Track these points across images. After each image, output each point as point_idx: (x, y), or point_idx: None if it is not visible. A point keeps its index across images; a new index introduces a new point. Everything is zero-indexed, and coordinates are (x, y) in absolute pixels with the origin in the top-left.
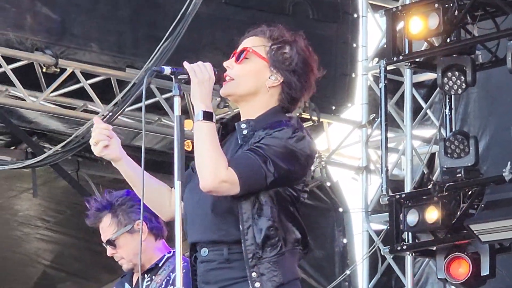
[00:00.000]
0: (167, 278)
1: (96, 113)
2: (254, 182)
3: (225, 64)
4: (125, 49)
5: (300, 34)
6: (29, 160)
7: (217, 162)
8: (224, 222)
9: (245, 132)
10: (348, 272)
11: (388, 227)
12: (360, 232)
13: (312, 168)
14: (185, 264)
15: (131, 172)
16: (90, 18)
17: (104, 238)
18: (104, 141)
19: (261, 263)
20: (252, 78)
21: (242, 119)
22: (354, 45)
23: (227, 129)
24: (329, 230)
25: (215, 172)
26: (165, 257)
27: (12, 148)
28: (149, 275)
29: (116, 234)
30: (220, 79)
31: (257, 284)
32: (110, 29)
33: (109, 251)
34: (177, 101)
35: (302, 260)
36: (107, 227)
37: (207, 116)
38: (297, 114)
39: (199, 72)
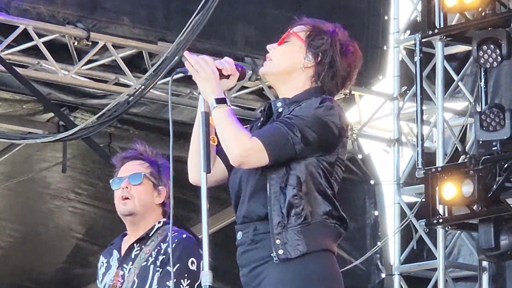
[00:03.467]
0: (157, 248)
1: (128, 86)
2: (281, 148)
3: (267, 47)
4: (157, 22)
5: (340, 27)
6: (61, 133)
7: (239, 134)
8: (254, 201)
9: (280, 110)
10: (380, 244)
11: (423, 200)
12: (392, 204)
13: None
14: (175, 234)
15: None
16: None
17: (131, 171)
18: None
19: (286, 231)
20: (288, 57)
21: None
22: (386, 17)
23: (269, 115)
24: (361, 202)
25: (239, 142)
26: (155, 227)
27: (44, 121)
28: (138, 244)
29: (147, 175)
30: (243, 75)
31: (280, 251)
32: (141, 2)
33: (126, 184)
34: (201, 98)
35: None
36: (142, 165)
37: (221, 101)
38: None
39: (201, 70)
